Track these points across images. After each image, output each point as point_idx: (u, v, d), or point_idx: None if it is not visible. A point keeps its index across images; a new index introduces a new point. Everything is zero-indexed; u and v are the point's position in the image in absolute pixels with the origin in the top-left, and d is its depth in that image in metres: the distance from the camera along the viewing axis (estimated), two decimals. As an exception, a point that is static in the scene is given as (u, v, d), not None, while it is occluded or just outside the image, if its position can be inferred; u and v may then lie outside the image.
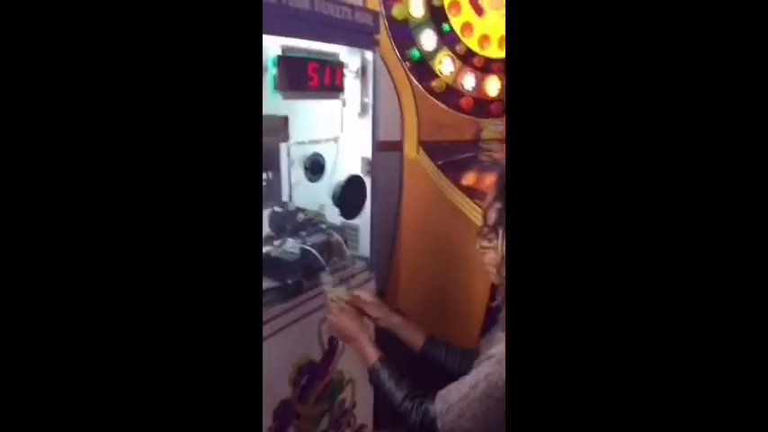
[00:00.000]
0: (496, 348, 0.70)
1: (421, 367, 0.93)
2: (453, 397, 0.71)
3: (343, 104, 1.19)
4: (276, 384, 1.02)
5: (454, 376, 0.87)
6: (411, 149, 1.68)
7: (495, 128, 1.88)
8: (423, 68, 1.64)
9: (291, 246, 1.09)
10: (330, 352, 1.15)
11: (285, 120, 1.03)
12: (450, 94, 1.70)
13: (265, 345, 0.95)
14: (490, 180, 1.49)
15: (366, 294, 1.02)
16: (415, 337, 0.96)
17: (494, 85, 1.81)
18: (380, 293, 1.57)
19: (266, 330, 0.97)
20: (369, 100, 1.20)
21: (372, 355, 0.84)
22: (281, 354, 1.03)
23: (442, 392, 0.73)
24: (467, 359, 0.90)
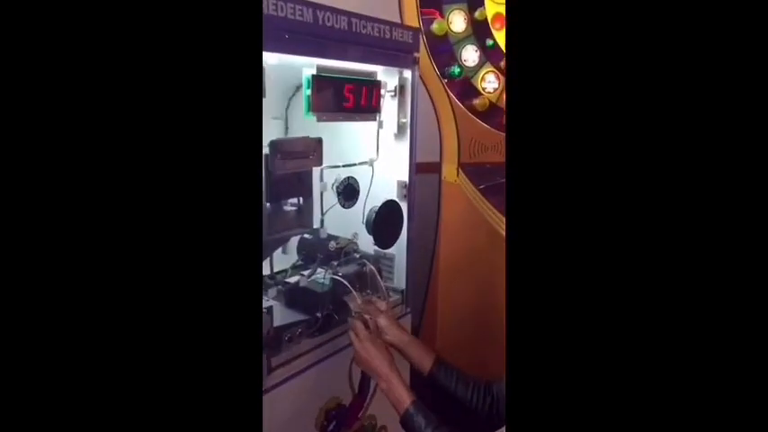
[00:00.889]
0: None
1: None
2: None
3: (380, 126, 1.12)
4: (301, 429, 0.94)
5: (465, 406, 0.84)
6: (450, 172, 1.58)
7: (540, 148, 1.76)
8: (464, 86, 1.56)
9: (321, 276, 1.02)
10: (361, 395, 1.05)
11: (319, 142, 0.97)
12: (494, 112, 1.60)
13: (292, 384, 0.89)
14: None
15: (380, 303, 0.97)
16: (424, 359, 0.90)
17: (540, 103, 1.70)
18: (416, 329, 1.47)
19: (293, 369, 0.91)
20: (407, 120, 1.12)
21: (406, 398, 0.77)
22: (308, 394, 0.95)
23: None
24: (480, 390, 0.85)
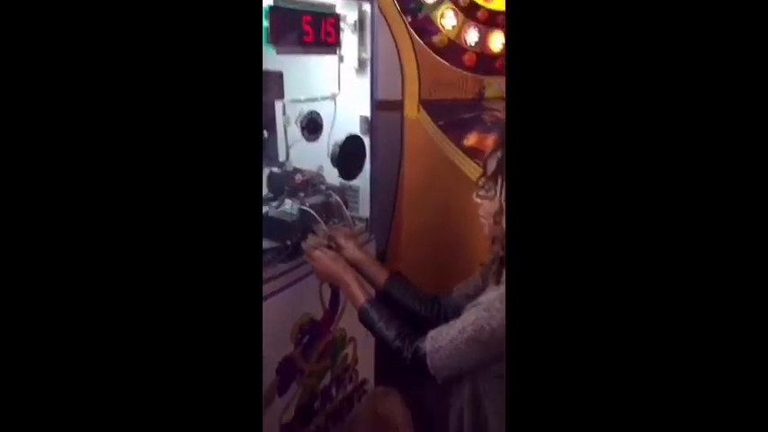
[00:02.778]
0: (485, 296, 0.74)
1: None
2: (443, 339, 0.73)
3: (341, 60, 1.14)
4: (278, 342, 1.05)
5: (417, 319, 0.91)
6: (411, 109, 1.64)
7: (498, 86, 1.82)
8: (424, 22, 1.57)
9: (289, 206, 1.09)
10: (331, 311, 1.17)
11: (280, 75, 0.99)
12: (453, 49, 1.64)
13: (266, 304, 0.97)
14: (492, 140, 1.45)
15: (346, 230, 1.04)
16: (378, 275, 0.97)
17: (498, 40, 1.74)
18: (381, 254, 1.58)
19: (267, 290, 0.98)
20: (367, 55, 1.15)
21: (361, 296, 0.86)
22: (282, 312, 1.04)
23: (432, 333, 0.76)
24: (430, 304, 0.94)
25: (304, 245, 1.00)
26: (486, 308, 0.71)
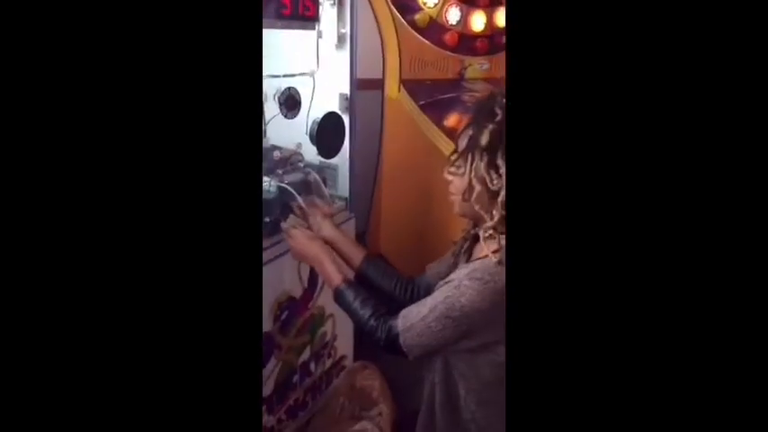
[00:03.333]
0: (455, 274, 0.74)
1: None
2: (414, 317, 0.75)
3: (319, 36, 1.13)
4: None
5: (392, 299, 0.92)
6: (392, 88, 1.63)
7: (479, 66, 1.82)
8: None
9: (268, 184, 1.08)
10: (311, 289, 1.18)
11: (257, 50, 0.97)
12: (434, 28, 1.63)
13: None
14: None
15: (324, 207, 1.04)
16: (354, 255, 0.98)
17: (479, 20, 1.73)
18: (361, 234, 1.59)
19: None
20: (346, 31, 1.13)
21: (336, 277, 0.86)
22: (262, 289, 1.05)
23: (404, 312, 0.77)
24: (406, 284, 0.95)
25: (283, 224, 1.00)
26: (457, 285, 0.71)
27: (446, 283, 0.75)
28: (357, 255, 0.98)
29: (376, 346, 0.79)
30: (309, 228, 1.01)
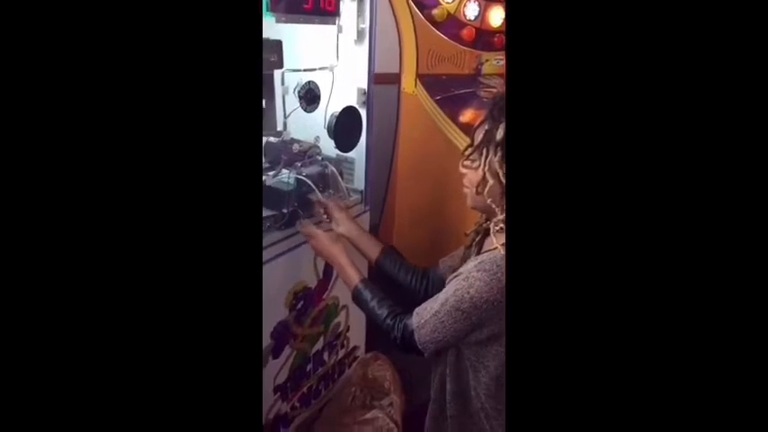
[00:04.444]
0: (465, 267, 0.76)
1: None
2: (427, 313, 0.77)
3: (339, 31, 1.14)
4: (273, 307, 1.08)
5: (408, 292, 0.95)
6: (409, 83, 1.64)
7: (496, 62, 1.82)
8: (424, -6, 1.56)
9: (286, 176, 1.10)
10: (325, 280, 1.20)
11: (279, 44, 0.99)
12: (452, 23, 1.63)
13: (264, 269, 0.99)
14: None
15: (340, 201, 1.06)
16: (371, 249, 1.01)
17: (497, 15, 1.73)
18: (375, 227, 1.61)
19: (263, 256, 1.01)
20: (365, 26, 1.15)
21: (354, 277, 0.89)
22: (277, 279, 1.08)
23: (417, 309, 0.79)
24: (420, 276, 0.98)
25: (301, 225, 1.03)
26: (466, 277, 0.72)
27: (455, 276, 0.76)
28: (374, 248, 1.01)
29: (393, 345, 0.81)
30: (333, 222, 1.04)
